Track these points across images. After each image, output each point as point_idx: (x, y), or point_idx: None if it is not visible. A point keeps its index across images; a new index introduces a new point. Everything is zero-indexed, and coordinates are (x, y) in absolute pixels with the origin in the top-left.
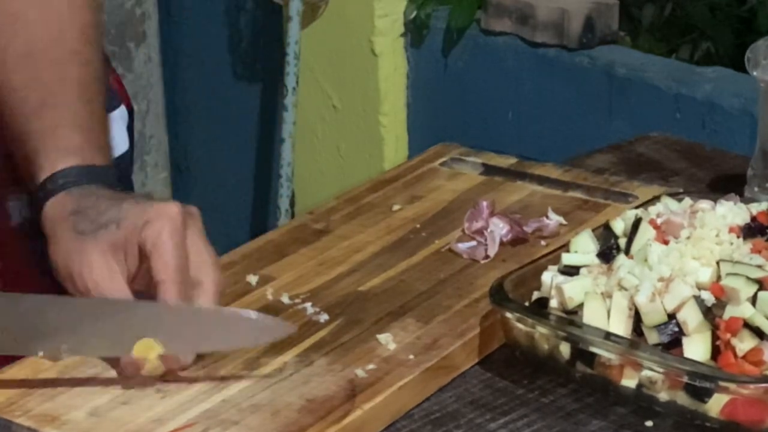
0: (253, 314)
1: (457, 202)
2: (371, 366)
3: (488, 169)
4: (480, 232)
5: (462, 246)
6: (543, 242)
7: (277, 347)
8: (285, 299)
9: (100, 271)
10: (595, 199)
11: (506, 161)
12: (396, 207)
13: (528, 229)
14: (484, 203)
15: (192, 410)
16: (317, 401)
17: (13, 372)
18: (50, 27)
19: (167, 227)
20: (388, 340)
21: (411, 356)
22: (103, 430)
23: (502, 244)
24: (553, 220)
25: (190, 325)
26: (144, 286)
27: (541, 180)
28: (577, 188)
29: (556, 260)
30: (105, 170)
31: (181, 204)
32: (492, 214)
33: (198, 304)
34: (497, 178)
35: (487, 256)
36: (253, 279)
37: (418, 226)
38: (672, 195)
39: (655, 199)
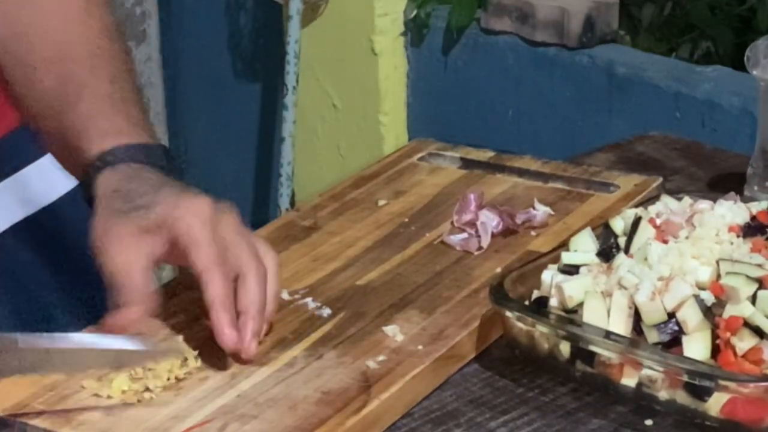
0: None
1: (441, 195)
2: (382, 357)
3: (466, 163)
4: (470, 224)
5: (455, 238)
6: (533, 232)
7: (284, 342)
8: (284, 295)
9: (126, 248)
10: (577, 189)
11: (484, 155)
12: (382, 202)
13: (517, 220)
14: (472, 196)
15: (208, 406)
16: (333, 393)
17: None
18: (73, 29)
19: (196, 222)
20: (395, 332)
21: (420, 347)
22: (121, 428)
23: (493, 235)
24: (541, 210)
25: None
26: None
27: (521, 172)
28: (557, 179)
29: (556, 259)
30: (152, 148)
31: (212, 200)
32: (480, 206)
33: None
34: (477, 172)
35: (480, 248)
36: None
37: (406, 220)
38: (655, 185)
39: (654, 198)
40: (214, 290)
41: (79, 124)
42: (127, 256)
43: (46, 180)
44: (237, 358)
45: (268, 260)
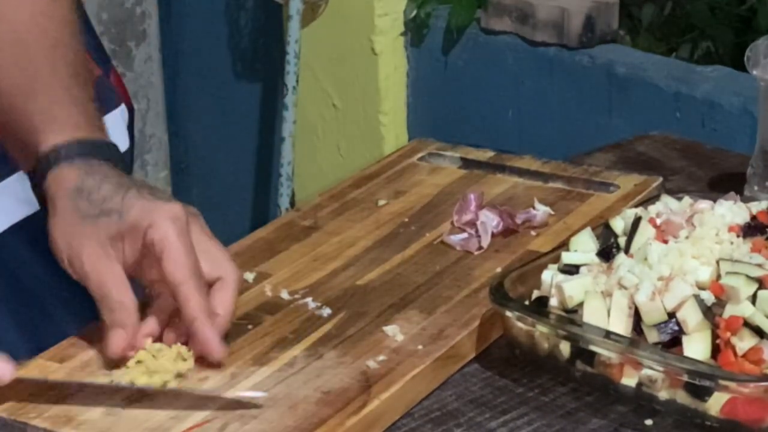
0: None
1: (442, 195)
2: (382, 357)
3: (467, 163)
4: (470, 224)
5: (455, 238)
6: (533, 232)
7: (284, 342)
8: (284, 295)
9: (98, 259)
10: (577, 189)
11: (484, 155)
12: (382, 202)
13: (518, 220)
14: (472, 196)
15: (208, 406)
16: (333, 393)
17: (20, 374)
18: (36, 20)
19: (173, 229)
20: (395, 332)
21: (420, 347)
22: (121, 428)
23: (493, 235)
24: (541, 210)
25: None
26: (146, 281)
27: (521, 172)
28: (557, 179)
29: (556, 259)
30: (107, 145)
31: (182, 204)
32: (480, 206)
33: (219, 298)
34: (477, 172)
35: (480, 248)
36: (249, 276)
37: (406, 220)
38: (655, 185)
39: (654, 198)
40: (196, 305)
41: (36, 116)
42: (101, 260)
43: None
44: (208, 362)
45: (235, 267)
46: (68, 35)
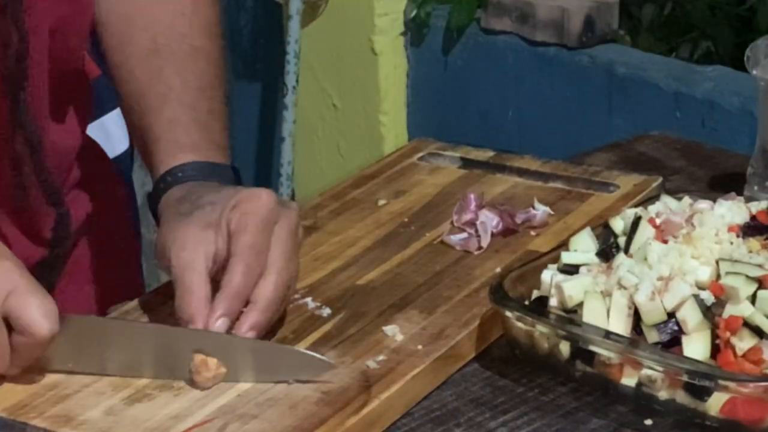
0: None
1: (441, 195)
2: (382, 357)
3: (466, 163)
4: (469, 224)
5: (455, 238)
6: (533, 232)
7: (284, 342)
8: None
9: (187, 249)
10: (576, 189)
11: (484, 155)
12: (382, 202)
13: (517, 220)
14: (472, 196)
15: (208, 406)
16: (333, 393)
17: (20, 374)
18: (176, 23)
19: (253, 210)
20: (395, 332)
21: (419, 347)
22: (121, 428)
23: (492, 235)
24: (541, 210)
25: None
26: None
27: (521, 172)
28: (557, 179)
29: (556, 259)
30: (222, 168)
31: (275, 195)
32: (480, 206)
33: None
34: (477, 171)
35: (480, 248)
36: None
37: (406, 219)
38: (655, 185)
39: (654, 198)
40: (233, 281)
41: (158, 130)
42: (187, 255)
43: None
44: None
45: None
46: (206, 38)
